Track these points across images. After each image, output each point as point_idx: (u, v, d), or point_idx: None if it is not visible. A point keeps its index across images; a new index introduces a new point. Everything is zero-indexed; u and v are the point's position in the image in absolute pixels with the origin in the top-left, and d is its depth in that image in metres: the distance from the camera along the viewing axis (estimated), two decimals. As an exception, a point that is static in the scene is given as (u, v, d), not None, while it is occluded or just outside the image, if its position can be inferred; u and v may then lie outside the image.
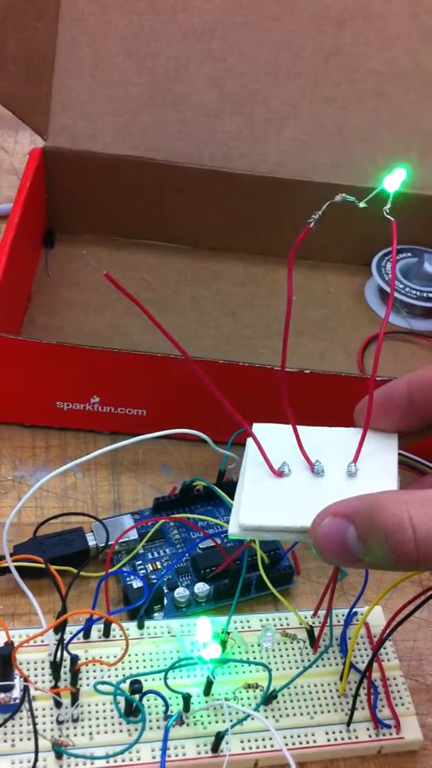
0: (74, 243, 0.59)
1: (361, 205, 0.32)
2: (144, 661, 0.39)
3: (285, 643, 0.41)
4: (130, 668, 0.38)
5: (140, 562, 0.43)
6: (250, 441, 0.35)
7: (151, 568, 0.43)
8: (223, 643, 0.38)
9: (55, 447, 0.48)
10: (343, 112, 0.58)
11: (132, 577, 0.41)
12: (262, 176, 0.58)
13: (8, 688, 0.36)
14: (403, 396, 0.35)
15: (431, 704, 0.41)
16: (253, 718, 0.37)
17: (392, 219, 0.32)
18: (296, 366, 0.46)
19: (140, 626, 0.39)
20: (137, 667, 0.38)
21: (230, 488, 0.44)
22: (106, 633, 0.39)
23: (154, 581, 0.41)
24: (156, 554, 0.43)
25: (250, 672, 0.39)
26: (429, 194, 0.58)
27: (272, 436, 0.35)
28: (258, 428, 0.35)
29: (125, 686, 0.36)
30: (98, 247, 0.60)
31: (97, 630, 0.39)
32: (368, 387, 0.34)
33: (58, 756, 0.35)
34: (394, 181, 0.33)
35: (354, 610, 0.41)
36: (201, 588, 0.42)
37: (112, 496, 0.46)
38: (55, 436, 0.48)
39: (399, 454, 0.35)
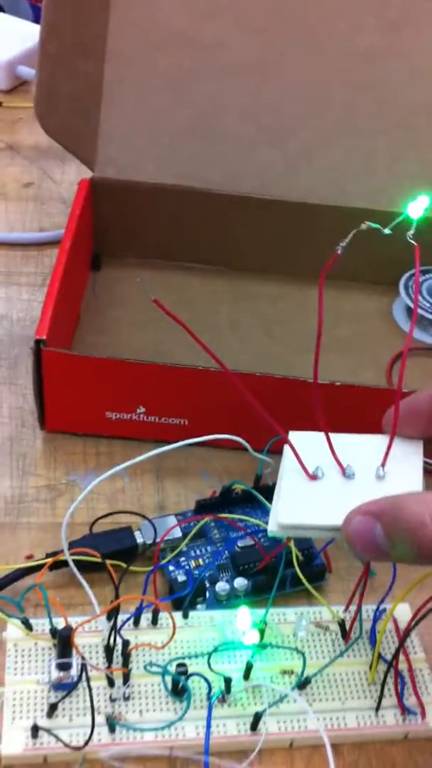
0: (119, 266, 0.63)
1: (386, 231, 0.36)
2: (188, 646, 0.42)
3: (318, 634, 0.44)
4: (176, 653, 0.42)
5: (183, 558, 0.46)
6: (286, 447, 0.39)
7: (193, 564, 0.46)
8: (262, 632, 0.42)
9: (104, 454, 0.51)
10: (371, 142, 0.61)
11: (177, 571, 0.45)
12: (294, 202, 0.62)
13: (67, 667, 0.39)
14: (427, 405, 0.38)
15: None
16: (289, 701, 0.40)
17: (415, 244, 0.36)
18: (328, 380, 0.49)
19: (185, 615, 0.43)
20: (182, 652, 0.42)
21: (266, 492, 0.48)
22: (154, 621, 0.43)
23: (197, 576, 0.44)
24: (198, 552, 0.47)
25: (286, 660, 0.42)
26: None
27: (307, 443, 0.38)
28: (294, 435, 0.39)
29: (172, 668, 0.40)
30: (141, 270, 0.64)
31: (146, 619, 0.43)
32: (395, 397, 0.38)
33: (112, 730, 0.38)
34: (417, 207, 0.36)
35: (383, 606, 0.44)
36: (240, 583, 0.45)
37: (157, 498, 0.50)
38: (104, 444, 0.52)
39: (424, 461, 0.38)
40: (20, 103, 0.78)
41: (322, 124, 0.61)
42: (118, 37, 0.59)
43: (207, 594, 0.45)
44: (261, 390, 0.48)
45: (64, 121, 0.59)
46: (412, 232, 0.36)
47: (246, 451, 0.46)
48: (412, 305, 0.62)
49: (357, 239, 0.36)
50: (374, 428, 0.40)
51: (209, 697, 0.40)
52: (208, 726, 0.38)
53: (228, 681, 0.40)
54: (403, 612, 0.45)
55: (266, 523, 0.41)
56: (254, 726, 0.40)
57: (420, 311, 0.62)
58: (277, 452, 0.41)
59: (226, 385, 0.49)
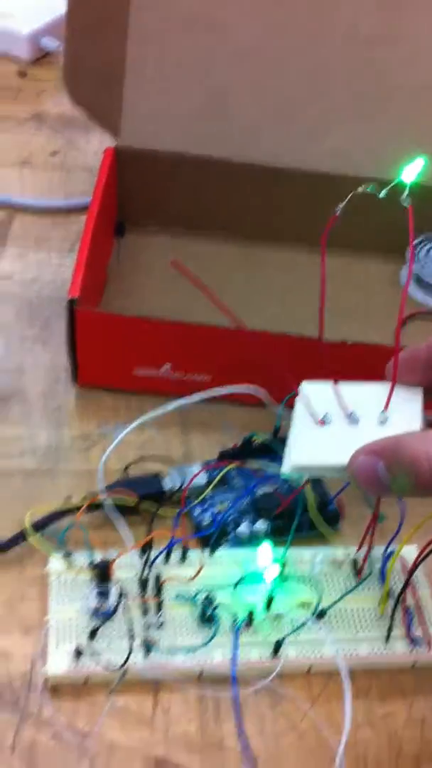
0: (142, 233, 0.67)
1: (382, 195, 0.39)
2: (215, 581, 0.45)
3: (333, 573, 0.47)
4: (204, 586, 0.45)
5: (208, 504, 0.50)
6: (299, 397, 0.42)
7: (217, 509, 0.50)
8: (282, 567, 0.45)
9: (133, 408, 0.55)
10: (367, 120, 0.64)
11: (203, 514, 0.49)
12: (305, 172, 0.65)
13: (106, 595, 0.43)
14: (425, 355, 0.41)
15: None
16: (307, 631, 0.44)
17: (408, 205, 0.38)
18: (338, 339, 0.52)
19: (212, 552, 0.47)
20: (209, 586, 0.45)
21: (284, 443, 0.51)
22: (183, 558, 0.46)
23: (221, 518, 0.48)
24: (221, 498, 0.50)
25: (304, 594, 0.46)
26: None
27: (317, 392, 0.42)
28: (305, 385, 0.42)
29: (201, 599, 0.44)
30: (162, 237, 0.67)
31: (175, 557, 0.46)
32: (394, 348, 0.41)
33: (147, 653, 0.42)
34: (412, 171, 0.39)
35: (392, 548, 0.47)
36: (260, 525, 0.49)
37: (183, 449, 0.54)
38: (133, 399, 0.55)
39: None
40: (45, 74, 0.81)
41: (323, 103, 0.64)
42: (140, 15, 0.62)
43: (230, 535, 0.48)
44: (276, 348, 0.52)
45: (91, 92, 0.62)
46: (405, 194, 0.39)
47: (264, 407, 0.50)
48: (417, 271, 0.66)
49: (363, 210, 0.39)
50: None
51: (235, 625, 0.44)
52: (235, 647, 0.42)
53: (251, 611, 0.44)
54: (410, 552, 0.48)
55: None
56: (276, 652, 0.44)
57: (425, 276, 0.66)
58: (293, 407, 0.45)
59: (245, 343, 0.53)
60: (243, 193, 0.67)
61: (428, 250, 0.67)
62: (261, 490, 0.50)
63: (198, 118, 0.64)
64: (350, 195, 0.39)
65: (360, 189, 0.39)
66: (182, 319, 0.54)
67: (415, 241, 0.68)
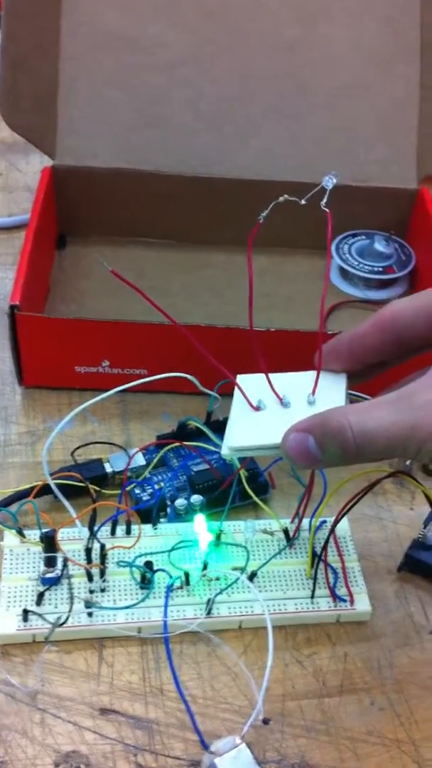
0: (83, 244, 0.71)
1: (302, 202, 0.43)
2: (155, 549, 0.50)
3: (266, 540, 0.52)
4: (145, 553, 0.49)
5: (147, 484, 0.54)
6: (235, 387, 0.47)
7: (157, 487, 0.54)
8: (218, 536, 0.50)
9: (76, 403, 0.58)
10: (297, 123, 0.70)
11: (141, 492, 0.53)
12: (233, 179, 0.70)
13: (53, 562, 0.48)
14: (345, 345, 0.46)
15: (377, 575, 0.52)
16: (239, 591, 0.48)
17: (327, 210, 0.42)
18: (265, 327, 0.57)
19: (154, 525, 0.51)
20: (150, 553, 0.49)
21: (217, 425, 0.55)
22: (128, 531, 0.51)
23: (159, 493, 0.53)
24: (160, 477, 0.55)
25: (238, 560, 0.50)
26: (373, 186, 0.70)
27: (251, 383, 0.46)
28: (240, 378, 0.47)
29: (140, 564, 0.48)
30: (103, 246, 0.72)
31: (121, 531, 0.51)
32: (318, 338, 0.45)
33: (90, 614, 0.47)
34: (330, 180, 0.43)
35: (324, 519, 0.51)
36: (196, 498, 0.53)
37: (124, 437, 0.58)
38: (76, 395, 0.60)
39: (350, 393, 0.46)
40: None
41: (251, 109, 0.69)
42: (70, 40, 0.67)
43: (168, 510, 0.53)
44: (208, 340, 0.56)
45: (27, 117, 0.67)
46: (324, 201, 0.42)
47: (201, 395, 0.54)
48: (342, 265, 0.71)
49: (293, 211, 0.43)
50: (308, 367, 0.47)
51: (168, 585, 0.48)
52: (165, 604, 0.47)
53: (187, 574, 0.48)
54: (342, 525, 0.52)
55: (217, 448, 0.49)
56: (208, 610, 0.48)
57: (349, 268, 0.71)
58: (225, 394, 0.49)
59: (178, 337, 0.57)
60: (178, 202, 0.71)
61: (350, 246, 0.72)
62: (196, 468, 0.55)
63: (131, 133, 0.69)
64: (272, 204, 0.43)
65: (281, 199, 0.43)
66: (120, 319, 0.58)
67: (340, 237, 0.73)
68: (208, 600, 0.48)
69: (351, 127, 0.70)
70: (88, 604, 0.46)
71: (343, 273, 0.72)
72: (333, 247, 0.72)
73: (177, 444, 0.55)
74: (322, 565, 0.50)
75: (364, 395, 0.54)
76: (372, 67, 0.69)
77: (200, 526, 0.50)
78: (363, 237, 0.73)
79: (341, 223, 0.70)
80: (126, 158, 0.69)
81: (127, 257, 0.71)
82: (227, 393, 0.48)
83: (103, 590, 0.48)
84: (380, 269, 0.71)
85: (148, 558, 0.49)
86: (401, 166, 0.71)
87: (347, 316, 0.69)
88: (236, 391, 0.46)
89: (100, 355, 0.59)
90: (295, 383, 0.46)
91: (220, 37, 0.68)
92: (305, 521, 0.52)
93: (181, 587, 0.48)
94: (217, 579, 0.49)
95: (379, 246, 0.71)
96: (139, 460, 0.55)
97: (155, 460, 0.55)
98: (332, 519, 0.49)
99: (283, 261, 0.73)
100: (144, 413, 0.60)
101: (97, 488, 0.53)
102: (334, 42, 0.68)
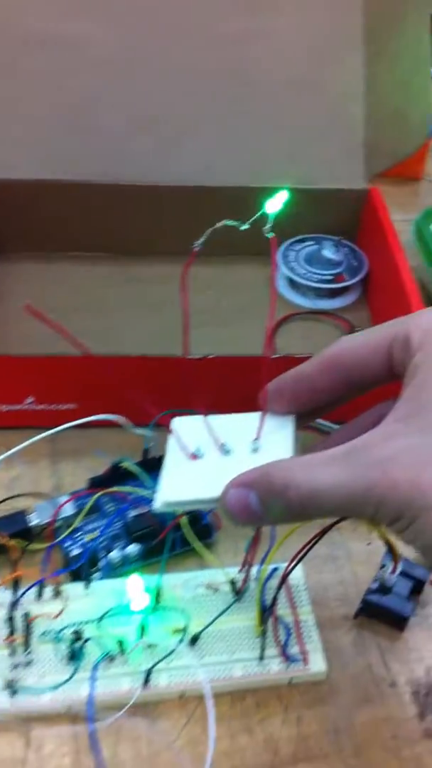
0: (11, 261, 0.66)
1: (244, 227, 0.39)
2: (89, 614, 0.45)
3: (210, 595, 0.47)
4: (77, 620, 0.45)
5: (79, 533, 0.50)
6: (170, 433, 0.42)
7: (88, 538, 0.49)
8: (157, 595, 0.45)
9: None
10: (238, 122, 0.65)
11: (72, 545, 0.49)
12: (169, 186, 0.65)
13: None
14: (288, 386, 0.41)
15: (333, 623, 0.48)
16: (180, 657, 0.44)
17: (272, 236, 0.39)
18: (209, 352, 0.52)
19: (87, 584, 0.46)
20: (82, 619, 0.45)
21: (153, 464, 0.51)
22: (57, 594, 0.46)
23: (91, 547, 0.48)
24: (93, 526, 0.50)
25: (179, 621, 0.45)
26: (319, 188, 0.65)
27: (189, 426, 0.42)
28: (177, 421, 0.42)
29: (68, 635, 0.43)
30: (32, 263, 0.67)
31: (49, 593, 0.46)
32: (261, 375, 0.41)
33: (13, 693, 0.42)
34: (275, 203, 0.39)
35: (275, 566, 0.47)
36: (132, 549, 0.49)
37: (53, 481, 0.53)
38: (-1, 435, 0.55)
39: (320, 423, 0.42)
40: None
41: (190, 109, 0.64)
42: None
43: (101, 563, 0.48)
44: (141, 370, 0.52)
45: None
46: (268, 226, 0.39)
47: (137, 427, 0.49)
48: (289, 275, 0.66)
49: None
50: (253, 391, 0.42)
51: (95, 663, 0.43)
52: (92, 680, 0.42)
53: (121, 642, 0.44)
54: (296, 572, 0.48)
55: (154, 492, 0.44)
56: (146, 681, 0.43)
57: (297, 278, 0.66)
58: (164, 426, 0.44)
59: (106, 368, 0.53)
60: (112, 212, 0.67)
61: (297, 253, 0.67)
62: (133, 513, 0.50)
63: (57, 140, 0.64)
64: (209, 231, 0.39)
65: (219, 225, 0.39)
66: (50, 346, 0.53)
67: (286, 244, 0.68)
68: (147, 671, 0.43)
69: (294, 125, 0.66)
70: (12, 685, 0.42)
71: (292, 283, 0.67)
72: (279, 255, 0.67)
73: (107, 492, 0.50)
74: (272, 620, 0.45)
75: (329, 423, 0.50)
76: (315, 59, 0.64)
77: (134, 588, 0.45)
78: (311, 242, 0.68)
79: (287, 228, 0.66)
80: (51, 169, 0.64)
81: (58, 273, 0.67)
82: (166, 424, 0.43)
83: (27, 664, 0.43)
84: (330, 277, 0.66)
85: (80, 625, 0.44)
86: (349, 165, 0.66)
87: (298, 328, 0.65)
88: (170, 438, 0.42)
89: (23, 391, 0.54)
90: (237, 426, 0.41)
91: (153, 32, 0.63)
92: (255, 569, 0.47)
93: (113, 659, 0.44)
94: (156, 645, 0.45)
95: (328, 252, 0.67)
96: (69, 509, 0.50)
97: (86, 509, 0.50)
98: (284, 565, 0.44)
99: (227, 271, 0.68)
100: (75, 451, 0.55)
101: (23, 542, 0.48)
102: (279, 34, 0.63)
